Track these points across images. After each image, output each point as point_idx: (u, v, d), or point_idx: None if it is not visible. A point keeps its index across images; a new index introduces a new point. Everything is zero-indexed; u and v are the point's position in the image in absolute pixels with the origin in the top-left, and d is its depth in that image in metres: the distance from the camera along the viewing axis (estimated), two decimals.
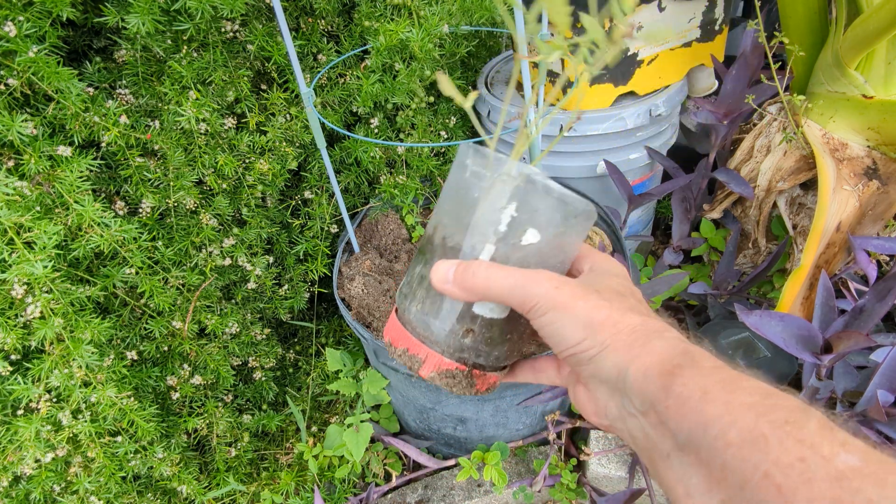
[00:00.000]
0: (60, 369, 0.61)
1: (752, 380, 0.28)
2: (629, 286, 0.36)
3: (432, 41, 0.78)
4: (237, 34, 0.71)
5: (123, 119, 0.63)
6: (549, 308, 0.33)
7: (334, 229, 0.90)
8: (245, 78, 0.72)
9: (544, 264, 0.36)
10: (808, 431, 0.25)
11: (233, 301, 0.84)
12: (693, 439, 0.27)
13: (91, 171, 0.62)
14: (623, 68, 0.91)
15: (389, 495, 0.92)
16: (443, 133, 0.93)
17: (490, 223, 0.35)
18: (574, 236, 0.37)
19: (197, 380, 0.77)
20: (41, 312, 0.58)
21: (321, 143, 0.70)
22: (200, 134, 0.70)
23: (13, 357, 0.61)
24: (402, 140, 0.89)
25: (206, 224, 0.73)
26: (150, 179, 0.68)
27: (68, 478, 0.69)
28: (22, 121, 0.56)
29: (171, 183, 0.69)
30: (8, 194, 0.55)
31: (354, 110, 0.84)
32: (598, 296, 0.33)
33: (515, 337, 0.39)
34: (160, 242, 0.70)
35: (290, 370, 1.02)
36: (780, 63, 0.81)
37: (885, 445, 0.27)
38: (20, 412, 0.64)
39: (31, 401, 0.62)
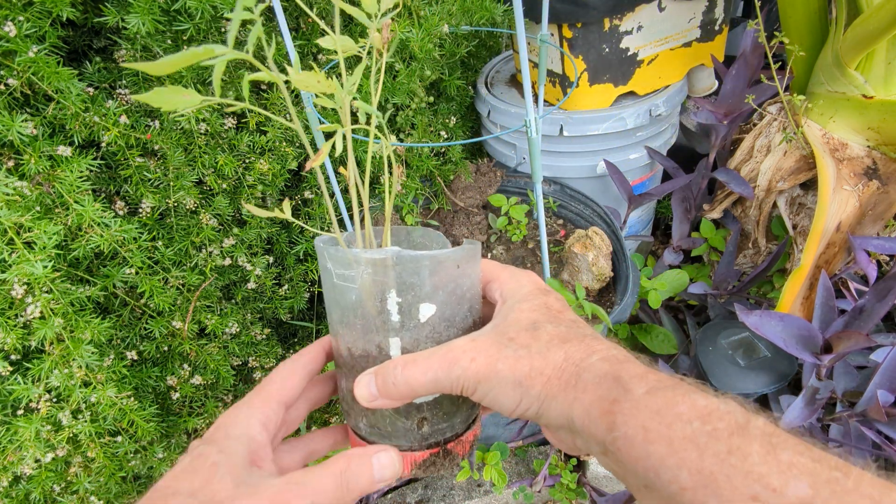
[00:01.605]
0: (60, 369, 0.61)
1: (687, 397, 0.27)
2: (541, 301, 0.35)
3: (432, 41, 0.78)
4: (237, 34, 0.71)
5: (123, 119, 0.63)
6: (476, 383, 0.32)
7: None
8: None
9: (454, 324, 0.35)
10: (753, 461, 0.24)
11: (233, 301, 0.84)
12: (650, 483, 0.26)
13: (91, 171, 0.62)
14: (623, 68, 0.91)
15: (389, 495, 0.92)
16: (443, 133, 0.93)
17: (381, 319, 0.34)
18: (468, 279, 0.35)
19: (197, 380, 0.77)
20: (41, 312, 0.58)
21: (321, 142, 0.70)
22: (200, 134, 0.70)
23: (13, 357, 0.61)
24: (402, 140, 0.89)
25: (206, 224, 0.73)
26: (150, 179, 0.68)
27: (68, 478, 0.69)
28: (22, 121, 0.56)
29: (171, 183, 0.69)
30: (8, 194, 0.55)
31: (354, 110, 0.84)
32: (514, 346, 0.32)
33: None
34: (160, 242, 0.70)
35: None
36: (780, 63, 0.81)
37: (825, 445, 0.26)
38: (20, 412, 0.64)
39: (31, 401, 0.62)
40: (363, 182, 0.36)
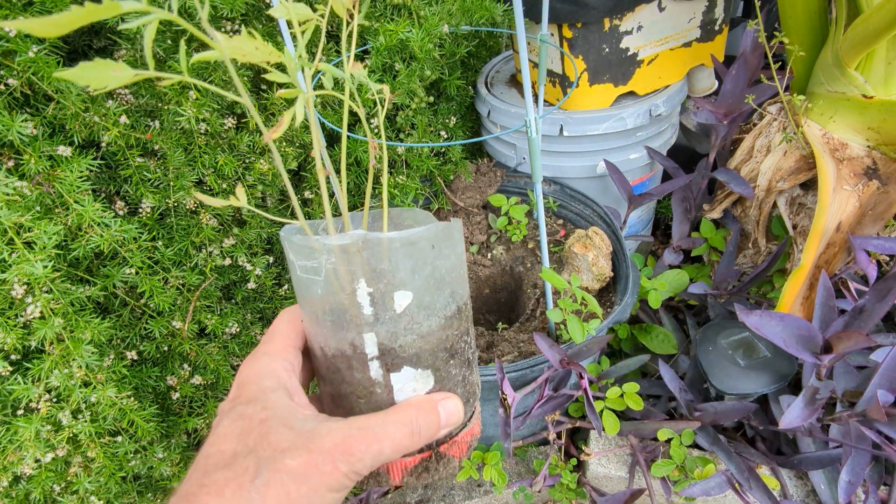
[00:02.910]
0: (60, 369, 0.61)
1: None
2: None
3: (432, 41, 0.78)
4: (237, 34, 0.71)
5: (123, 119, 0.63)
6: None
7: None
8: (245, 78, 0.72)
9: (434, 312, 0.32)
10: None
11: (233, 301, 0.84)
12: None
13: (91, 171, 0.62)
14: (623, 68, 0.91)
15: (389, 495, 0.92)
16: (443, 133, 0.93)
17: (352, 313, 0.30)
18: (446, 261, 0.32)
19: (197, 380, 0.77)
20: (41, 312, 0.58)
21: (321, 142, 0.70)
22: (200, 134, 0.70)
23: (13, 357, 0.61)
24: (402, 140, 0.89)
25: (206, 224, 0.73)
26: (150, 179, 0.68)
27: (68, 478, 0.69)
28: (22, 121, 0.56)
29: (171, 183, 0.69)
30: (8, 194, 0.55)
31: (354, 110, 0.84)
32: None
33: (457, 381, 0.35)
34: (160, 242, 0.70)
35: None
36: (780, 63, 0.81)
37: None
38: (20, 412, 0.63)
39: (31, 401, 0.62)
40: (340, 165, 0.33)
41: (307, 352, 0.36)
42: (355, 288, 0.30)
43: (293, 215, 0.88)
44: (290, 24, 0.28)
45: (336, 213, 0.34)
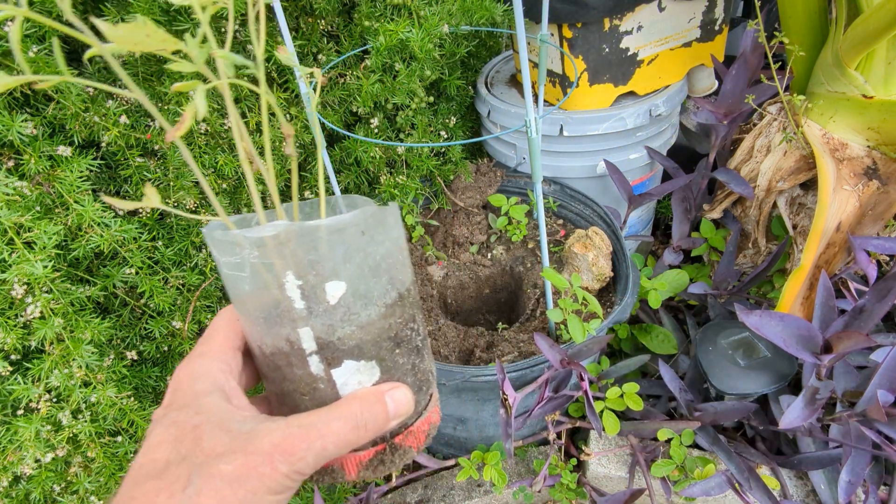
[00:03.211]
0: (60, 369, 0.61)
1: None
2: None
3: (432, 41, 0.78)
4: (237, 34, 0.71)
5: (123, 119, 0.63)
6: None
7: None
8: (244, 78, 0.72)
9: (372, 301, 0.31)
10: None
11: None
12: None
13: (91, 171, 0.62)
14: (623, 68, 0.91)
15: (389, 495, 0.92)
16: (443, 133, 0.93)
17: (284, 308, 0.29)
18: (381, 247, 0.30)
19: None
20: (41, 312, 0.58)
21: (321, 143, 0.70)
22: (200, 134, 0.70)
23: (13, 357, 0.61)
24: (402, 140, 0.89)
25: (206, 224, 0.73)
26: (150, 179, 0.68)
27: (68, 478, 0.69)
28: (22, 121, 0.56)
29: (171, 183, 0.69)
30: (8, 194, 0.55)
31: (354, 110, 0.83)
32: None
33: (406, 370, 0.34)
34: (160, 242, 0.70)
35: None
36: (780, 63, 0.81)
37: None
38: (20, 412, 0.63)
39: (31, 401, 0.62)
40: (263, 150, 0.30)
41: (250, 351, 0.35)
42: (283, 281, 0.29)
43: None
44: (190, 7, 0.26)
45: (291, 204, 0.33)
